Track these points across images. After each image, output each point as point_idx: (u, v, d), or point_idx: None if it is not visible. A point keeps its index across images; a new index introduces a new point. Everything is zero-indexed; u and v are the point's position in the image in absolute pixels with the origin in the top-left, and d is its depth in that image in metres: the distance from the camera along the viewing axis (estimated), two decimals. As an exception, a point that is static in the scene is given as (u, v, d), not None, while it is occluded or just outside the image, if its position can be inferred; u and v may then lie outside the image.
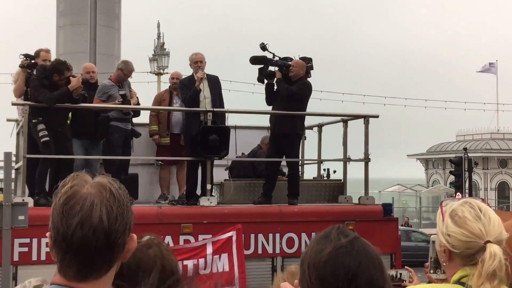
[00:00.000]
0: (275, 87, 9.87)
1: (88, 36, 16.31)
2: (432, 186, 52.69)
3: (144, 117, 11.11)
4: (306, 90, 9.88)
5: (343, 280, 1.74)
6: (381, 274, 1.79)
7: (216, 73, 10.29)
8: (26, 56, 9.61)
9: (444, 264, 2.43)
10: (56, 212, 1.74)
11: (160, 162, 10.86)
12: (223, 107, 9.96)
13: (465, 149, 30.86)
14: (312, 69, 10.14)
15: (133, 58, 11.38)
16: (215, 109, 9.57)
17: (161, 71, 33.27)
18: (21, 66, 9.52)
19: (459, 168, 28.36)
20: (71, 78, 9.04)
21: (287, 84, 9.71)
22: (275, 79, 9.81)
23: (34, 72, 9.22)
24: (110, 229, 1.72)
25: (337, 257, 1.76)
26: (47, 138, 8.70)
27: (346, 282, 1.74)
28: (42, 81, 8.89)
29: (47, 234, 1.78)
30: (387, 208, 10.05)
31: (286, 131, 9.76)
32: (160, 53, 33.67)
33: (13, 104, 9.41)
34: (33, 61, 9.56)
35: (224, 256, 8.59)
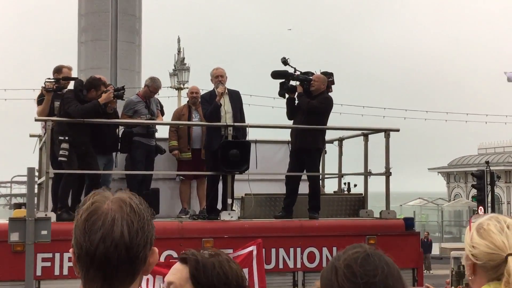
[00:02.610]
0: (296, 102, 9.90)
1: (109, 51, 16.46)
2: (454, 200, 52.19)
3: (164, 132, 11.16)
4: (327, 105, 9.89)
5: (360, 286, 1.74)
6: (399, 283, 1.79)
7: (235, 87, 10.33)
8: (56, 80, 9.51)
9: (470, 278, 2.44)
10: (79, 228, 1.78)
11: (181, 177, 10.90)
12: (244, 122, 9.99)
13: (487, 162, 30.59)
14: (334, 83, 10.16)
15: (154, 73, 11.41)
16: (235, 124, 9.60)
17: (182, 86, 33.43)
18: (50, 90, 9.38)
19: (481, 182, 28.07)
20: (103, 93, 9.19)
21: (308, 98, 9.73)
22: (296, 93, 9.85)
23: (71, 87, 9.34)
24: (131, 243, 1.75)
25: (355, 264, 1.77)
26: (64, 159, 8.82)
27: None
28: (78, 93, 9.04)
29: (70, 250, 1.81)
30: (409, 222, 9.99)
31: (307, 145, 9.76)
32: (180, 68, 33.84)
33: (36, 120, 9.47)
34: (57, 85, 9.48)
35: (245, 271, 8.57)
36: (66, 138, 8.84)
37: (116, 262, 1.74)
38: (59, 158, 8.82)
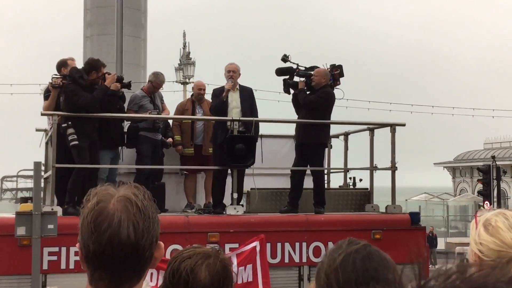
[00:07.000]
0: (300, 97, 9.89)
1: (115, 46, 16.46)
2: (460, 194, 52.11)
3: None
4: (324, 99, 9.76)
5: (360, 282, 1.74)
6: (397, 276, 1.79)
7: (242, 81, 10.28)
8: (63, 76, 9.37)
9: None
10: (85, 229, 1.78)
11: (184, 172, 10.89)
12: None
13: (493, 157, 30.53)
14: (342, 75, 10.04)
15: (159, 68, 11.46)
16: (240, 118, 9.59)
17: (187, 80, 33.41)
18: (56, 86, 9.25)
19: (487, 177, 28.05)
20: (106, 75, 9.13)
21: (306, 93, 9.73)
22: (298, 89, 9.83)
23: (67, 76, 9.17)
24: (137, 244, 1.76)
25: (354, 260, 1.76)
26: (77, 142, 8.74)
27: (363, 285, 1.74)
28: (79, 81, 8.89)
29: (77, 245, 1.82)
30: (415, 217, 9.97)
31: (310, 140, 9.74)
32: (185, 62, 33.80)
33: (43, 114, 9.45)
34: (64, 81, 9.42)
35: (249, 267, 8.58)
36: (70, 123, 8.75)
37: (124, 262, 1.76)
38: (72, 143, 8.71)
